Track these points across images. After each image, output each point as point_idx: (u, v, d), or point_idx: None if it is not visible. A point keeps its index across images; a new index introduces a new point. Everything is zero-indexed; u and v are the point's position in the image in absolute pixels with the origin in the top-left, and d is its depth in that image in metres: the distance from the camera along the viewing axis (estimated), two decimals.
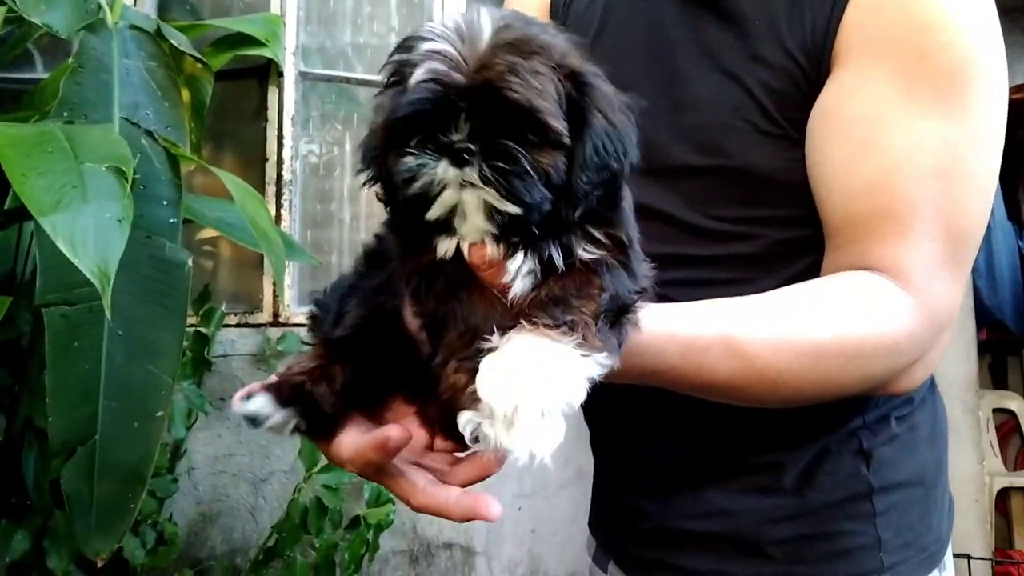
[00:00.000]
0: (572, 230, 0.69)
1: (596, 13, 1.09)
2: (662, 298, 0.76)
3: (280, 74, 2.62)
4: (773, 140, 0.91)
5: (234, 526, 2.61)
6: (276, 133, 2.71)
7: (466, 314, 0.70)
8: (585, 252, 0.69)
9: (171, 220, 1.80)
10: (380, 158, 0.72)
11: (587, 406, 1.15)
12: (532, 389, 0.60)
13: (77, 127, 1.64)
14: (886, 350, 0.83)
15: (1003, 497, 4.79)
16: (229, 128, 2.83)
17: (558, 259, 0.68)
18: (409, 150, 0.66)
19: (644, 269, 0.74)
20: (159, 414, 1.74)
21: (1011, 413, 5.23)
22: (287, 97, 2.60)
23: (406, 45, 0.70)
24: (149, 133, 1.84)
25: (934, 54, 0.84)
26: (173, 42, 2.03)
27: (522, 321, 0.64)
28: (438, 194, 0.66)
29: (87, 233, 1.34)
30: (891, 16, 0.85)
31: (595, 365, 0.63)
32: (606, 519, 1.17)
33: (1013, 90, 5.64)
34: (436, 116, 0.65)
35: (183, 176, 1.97)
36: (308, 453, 2.28)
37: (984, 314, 5.54)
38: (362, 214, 2.98)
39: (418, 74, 0.65)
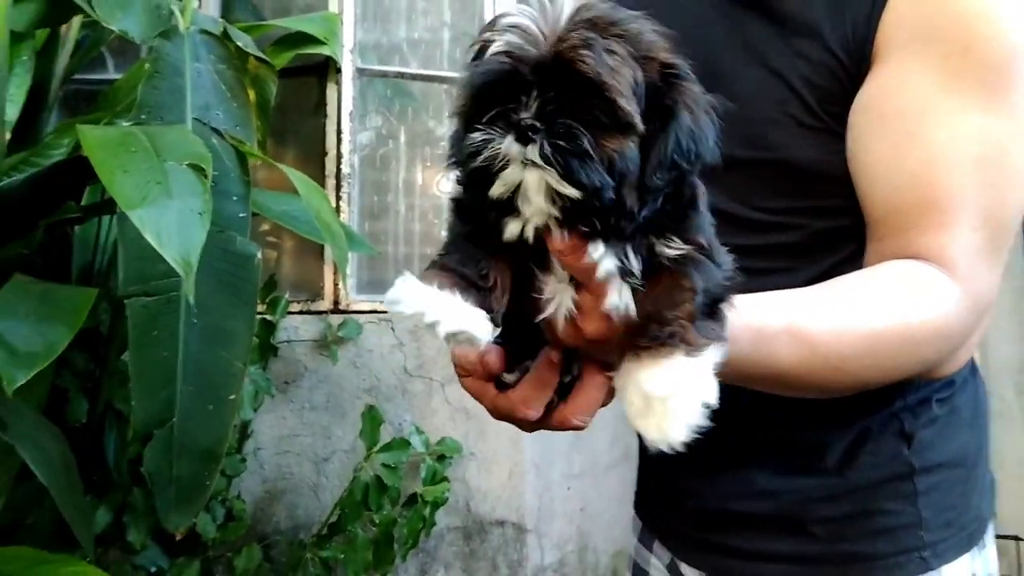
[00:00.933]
0: (651, 229, 0.68)
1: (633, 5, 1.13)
2: None
3: (338, 71, 2.71)
4: (815, 133, 0.94)
5: (298, 503, 2.72)
6: (335, 128, 2.80)
7: (472, 251, 0.70)
8: (668, 249, 0.68)
9: (241, 215, 1.90)
10: (457, 136, 0.70)
11: None
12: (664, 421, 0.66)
13: (156, 128, 1.74)
14: (937, 335, 0.86)
15: None
16: (290, 124, 2.93)
17: (636, 263, 0.67)
18: (478, 125, 0.65)
19: (727, 259, 0.73)
20: (232, 397, 1.85)
21: None
22: (345, 93, 2.69)
23: (491, 21, 0.69)
24: (219, 132, 1.94)
25: (978, 47, 0.86)
26: (239, 44, 2.13)
27: (627, 358, 0.67)
28: (500, 170, 0.64)
29: (172, 226, 1.44)
30: (931, 11, 0.87)
31: (707, 362, 0.67)
32: (651, 500, 1.21)
33: None
34: (508, 90, 0.64)
35: (249, 171, 2.08)
36: (369, 433, 2.39)
37: None
38: (416, 205, 3.07)
39: (493, 47, 0.65)
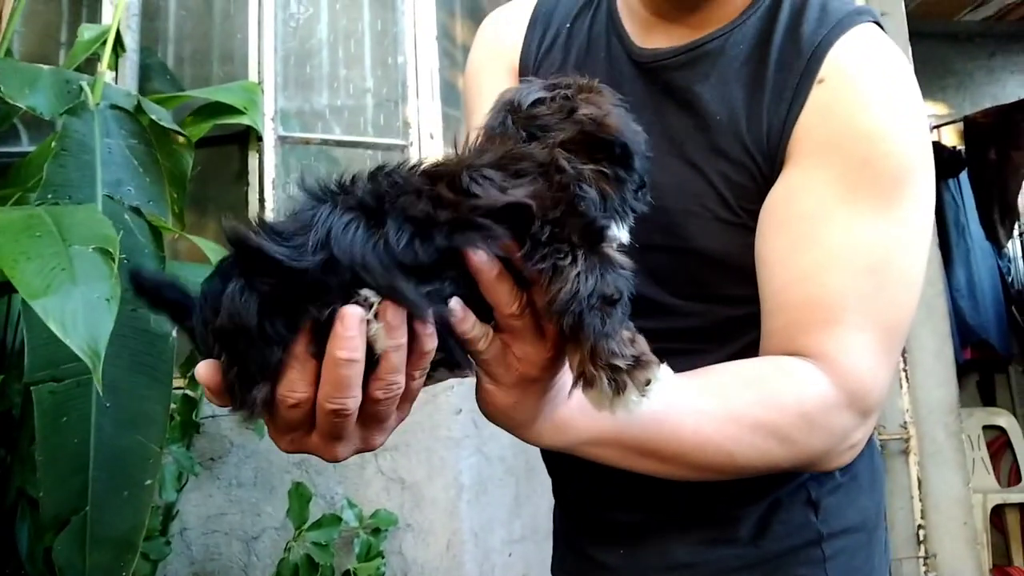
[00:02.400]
0: None
1: (568, 74, 1.16)
2: None
3: (259, 139, 2.70)
4: (730, 227, 0.98)
5: None
6: (258, 195, 2.77)
7: None
8: None
9: None
10: None
11: (549, 458, 1.21)
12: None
13: (63, 208, 1.70)
14: (799, 421, 0.89)
15: (998, 513, 4.83)
16: (212, 193, 2.89)
17: None
18: None
19: None
20: (148, 482, 1.79)
21: (1001, 430, 5.29)
22: (267, 161, 2.67)
23: None
24: (132, 208, 1.91)
25: (875, 162, 0.91)
26: (153, 117, 2.11)
27: None
28: None
29: (77, 314, 1.40)
30: (838, 124, 0.93)
31: None
32: (568, 571, 1.21)
33: (982, 114, 5.80)
34: None
35: (168, 244, 2.04)
36: (296, 511, 2.32)
37: (968, 334, 5.64)
38: None
39: None
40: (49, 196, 1.80)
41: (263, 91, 2.68)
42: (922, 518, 3.51)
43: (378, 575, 2.42)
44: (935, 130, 6.09)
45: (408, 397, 0.71)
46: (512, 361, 0.73)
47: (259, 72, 2.75)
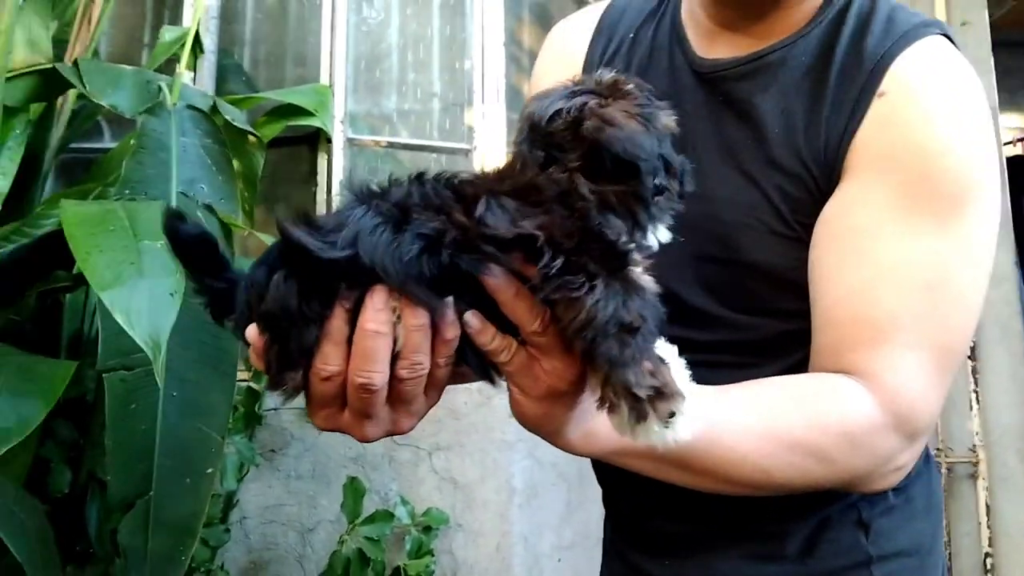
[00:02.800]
0: None
1: None
2: None
3: (329, 141, 2.76)
4: (785, 241, 0.96)
5: (283, 573, 2.69)
6: (326, 196, 2.84)
7: None
8: None
9: None
10: None
11: (597, 467, 1.21)
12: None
13: (137, 204, 1.77)
14: (836, 440, 0.87)
15: None
16: (282, 192, 2.97)
17: None
18: None
19: None
20: (209, 471, 1.84)
21: None
22: (336, 162, 2.74)
23: None
24: (205, 205, 1.98)
25: (934, 177, 0.89)
26: (228, 118, 2.18)
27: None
28: None
29: (142, 306, 1.45)
30: (898, 138, 0.91)
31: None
32: None
33: None
34: None
35: (239, 241, 2.11)
36: (350, 505, 2.37)
37: None
38: None
39: None
40: (127, 192, 1.88)
41: (333, 94, 2.74)
42: (990, 546, 3.38)
43: (428, 573, 2.45)
44: (1021, 143, 5.86)
45: (435, 384, 0.75)
46: (540, 373, 0.73)
47: (330, 75, 2.81)
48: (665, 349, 0.73)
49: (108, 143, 2.98)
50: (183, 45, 2.46)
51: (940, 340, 0.90)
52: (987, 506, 3.40)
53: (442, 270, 0.68)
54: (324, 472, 2.66)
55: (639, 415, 0.67)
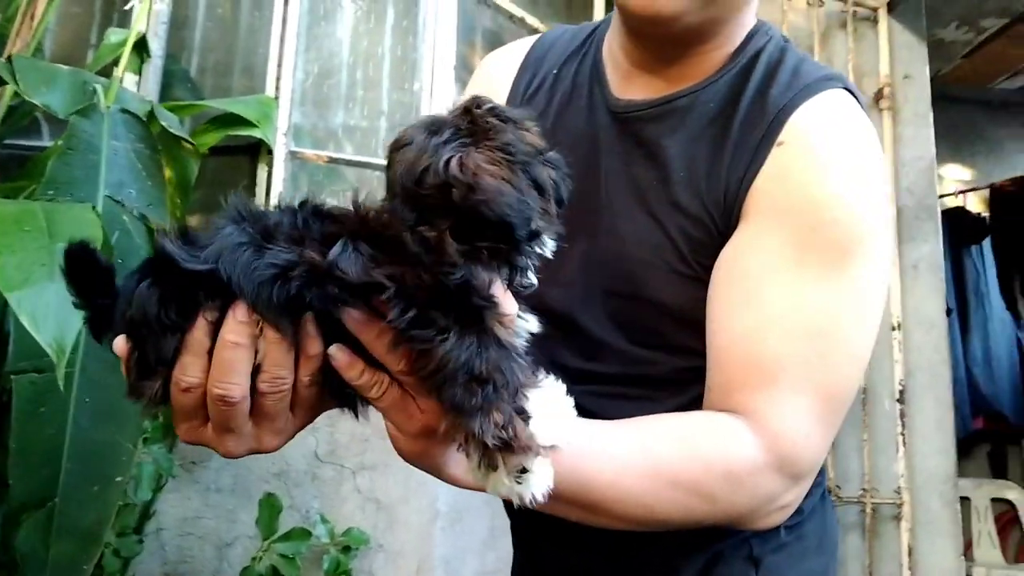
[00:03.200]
0: None
1: (548, 118, 1.16)
2: (579, 408, 0.81)
3: (270, 152, 2.75)
4: (686, 280, 0.99)
5: None
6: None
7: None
8: None
9: None
10: None
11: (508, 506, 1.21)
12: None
13: (57, 206, 1.74)
14: (723, 480, 0.89)
15: None
16: (221, 201, 2.94)
17: None
18: None
19: None
20: (119, 479, 1.81)
21: (1010, 504, 5.16)
22: (276, 174, 2.72)
23: None
24: (133, 211, 1.95)
25: (825, 227, 0.92)
26: (164, 124, 2.16)
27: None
28: None
29: (49, 309, 1.43)
30: (792, 188, 0.94)
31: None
32: None
33: (1009, 182, 5.75)
34: None
35: None
36: (266, 521, 2.33)
37: (981, 404, 5.55)
38: None
39: None
40: (51, 192, 1.85)
41: (279, 106, 2.74)
42: None
43: None
44: (961, 195, 6.04)
45: (302, 403, 0.76)
46: (414, 411, 0.73)
47: (276, 87, 2.81)
48: (550, 388, 0.74)
49: (46, 141, 2.94)
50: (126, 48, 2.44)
51: (826, 385, 0.92)
52: (909, 548, 3.46)
53: (297, 299, 0.70)
54: (245, 486, 2.63)
55: (489, 463, 0.68)
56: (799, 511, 1.05)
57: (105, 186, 1.94)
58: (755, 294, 0.93)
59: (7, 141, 2.63)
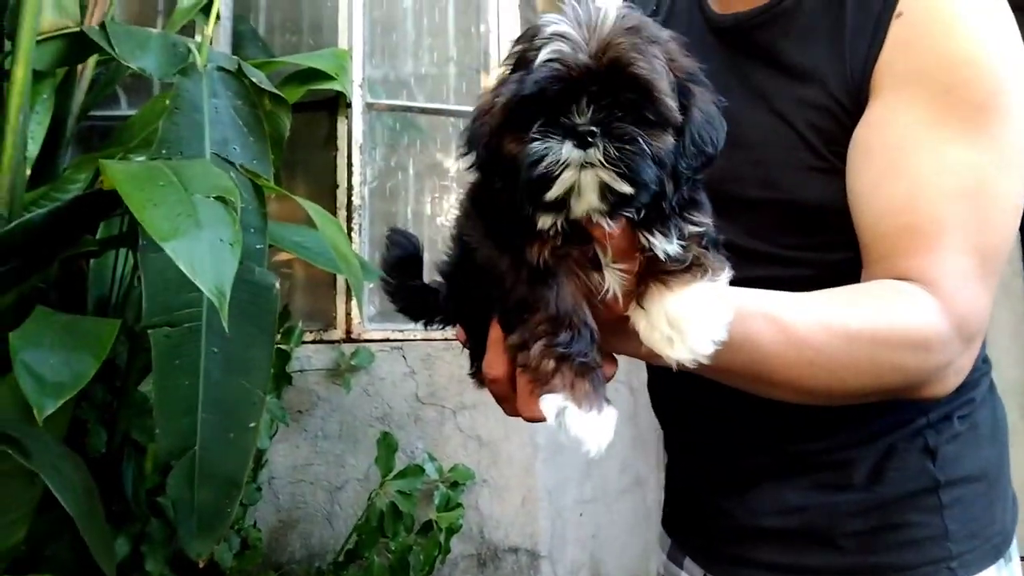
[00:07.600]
0: (678, 210, 0.75)
1: None
2: None
3: (348, 105, 2.77)
4: (823, 174, 0.99)
5: (312, 532, 2.74)
6: (346, 161, 2.86)
7: (558, 301, 0.74)
8: (692, 226, 0.77)
9: (258, 246, 1.94)
10: (493, 141, 0.75)
11: (662, 411, 1.24)
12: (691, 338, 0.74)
13: (179, 163, 1.79)
14: (913, 344, 0.88)
15: None
16: (301, 157, 2.98)
17: (672, 243, 0.75)
18: (533, 134, 0.69)
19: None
20: (252, 425, 1.87)
21: None
22: (355, 127, 2.74)
23: (529, 34, 0.74)
24: (237, 166, 1.99)
25: (959, 88, 0.91)
26: (254, 80, 2.19)
27: (651, 289, 0.75)
28: (559, 175, 0.69)
29: (204, 257, 1.48)
30: (919, 54, 0.93)
31: (723, 283, 0.76)
32: (681, 517, 1.24)
33: None
34: (559, 96, 0.69)
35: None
36: (384, 460, 2.41)
37: None
38: (425, 235, 3.11)
39: (543, 55, 0.69)
40: (163, 152, 1.89)
41: (352, 58, 2.75)
42: None
43: (457, 526, 2.51)
44: None
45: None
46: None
47: (348, 40, 2.81)
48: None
49: (125, 110, 2.98)
50: (200, 10, 2.46)
51: (984, 244, 0.92)
52: None
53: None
54: (351, 432, 2.70)
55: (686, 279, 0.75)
56: (970, 400, 1.06)
57: (211, 143, 1.97)
58: (900, 163, 0.92)
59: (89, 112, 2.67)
